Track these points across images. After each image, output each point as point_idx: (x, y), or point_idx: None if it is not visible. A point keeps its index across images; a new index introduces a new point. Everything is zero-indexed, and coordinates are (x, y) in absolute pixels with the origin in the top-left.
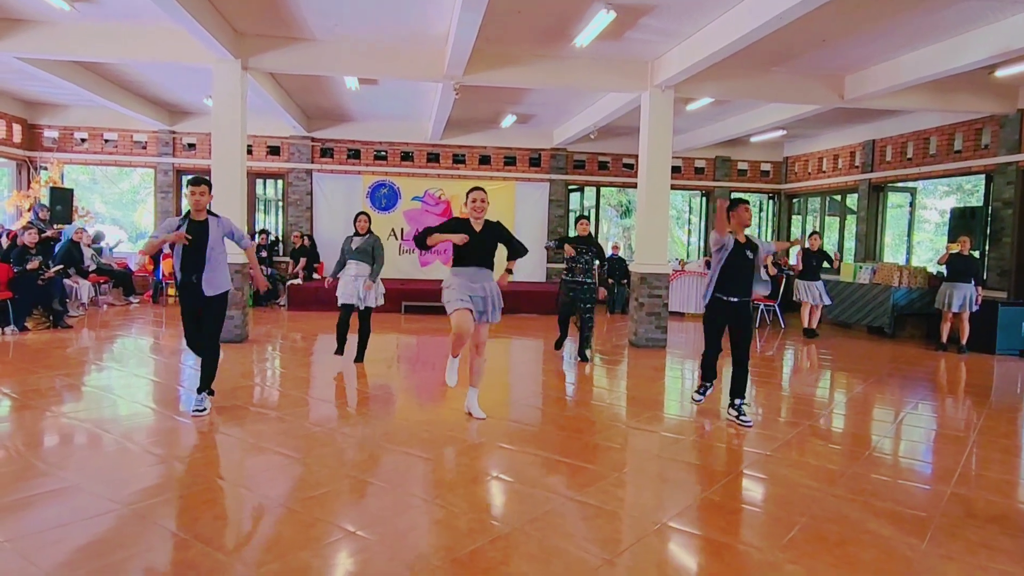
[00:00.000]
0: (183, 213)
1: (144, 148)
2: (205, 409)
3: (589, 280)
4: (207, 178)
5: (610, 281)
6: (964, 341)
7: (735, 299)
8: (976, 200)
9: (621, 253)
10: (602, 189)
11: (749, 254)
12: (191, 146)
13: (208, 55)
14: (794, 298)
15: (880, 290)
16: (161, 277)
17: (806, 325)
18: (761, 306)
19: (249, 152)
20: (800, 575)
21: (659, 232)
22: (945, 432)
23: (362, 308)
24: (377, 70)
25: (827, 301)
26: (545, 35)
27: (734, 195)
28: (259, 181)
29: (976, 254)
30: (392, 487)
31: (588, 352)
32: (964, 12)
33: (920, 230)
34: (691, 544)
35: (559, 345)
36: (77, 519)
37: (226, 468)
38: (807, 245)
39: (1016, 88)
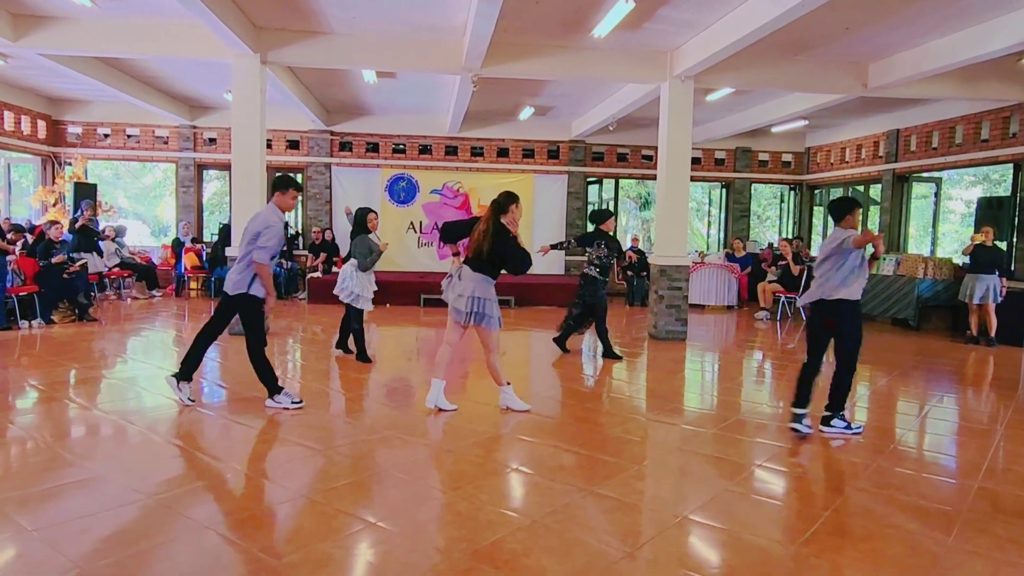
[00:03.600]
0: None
1: (166, 143)
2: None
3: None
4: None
5: (629, 273)
6: (992, 333)
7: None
8: (1003, 190)
9: (640, 245)
10: (621, 181)
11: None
12: (212, 141)
13: (227, 50)
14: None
15: (904, 282)
16: (183, 271)
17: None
18: (783, 298)
19: (268, 146)
20: (824, 570)
21: (679, 224)
22: (971, 426)
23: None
24: (395, 63)
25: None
26: (563, 26)
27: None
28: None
29: (1003, 245)
30: (413, 479)
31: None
32: None
33: (946, 221)
34: (712, 538)
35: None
36: (103, 509)
37: (248, 460)
38: None
39: None
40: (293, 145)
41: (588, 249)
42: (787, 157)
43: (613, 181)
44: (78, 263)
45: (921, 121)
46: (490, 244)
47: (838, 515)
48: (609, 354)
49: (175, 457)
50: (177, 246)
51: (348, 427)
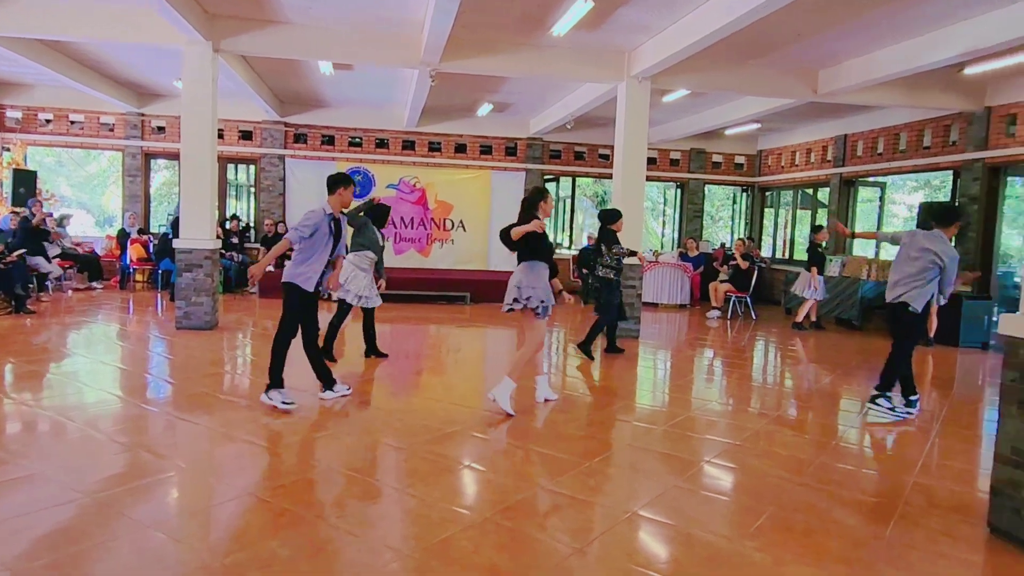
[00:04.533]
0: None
1: (112, 130)
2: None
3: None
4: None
5: (584, 271)
6: (931, 334)
7: None
8: (943, 195)
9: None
10: (578, 180)
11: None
12: (160, 129)
13: (178, 36)
14: (795, 291)
15: (849, 283)
16: (129, 263)
17: (799, 320)
18: (733, 297)
19: (220, 136)
20: (767, 564)
21: (634, 223)
22: (909, 423)
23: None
24: (352, 55)
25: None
26: (523, 23)
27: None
28: (230, 166)
29: None
30: (364, 476)
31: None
32: (935, 9)
33: (889, 224)
34: (661, 533)
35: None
36: (38, 508)
37: (193, 457)
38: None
39: (984, 86)
40: (246, 136)
41: (603, 253)
42: (740, 159)
43: (570, 179)
44: (15, 253)
45: (867, 127)
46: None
47: (782, 510)
48: (612, 349)
49: (117, 454)
50: (122, 237)
51: (298, 423)
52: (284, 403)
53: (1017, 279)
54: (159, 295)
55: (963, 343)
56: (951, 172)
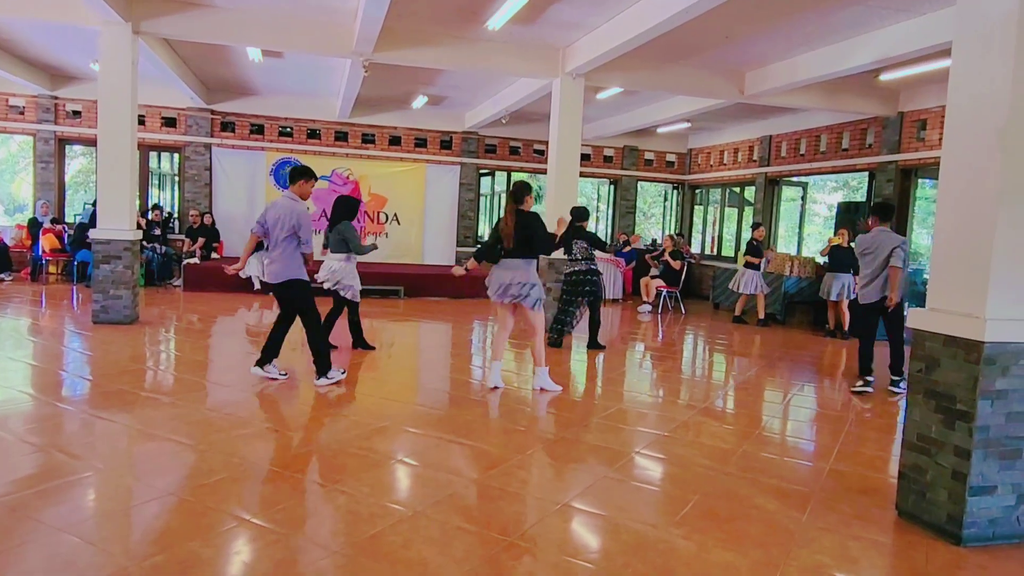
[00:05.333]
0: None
1: (22, 114)
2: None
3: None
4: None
5: None
6: (846, 327)
7: None
8: (860, 196)
9: None
10: (513, 174)
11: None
12: (76, 113)
13: (94, 16)
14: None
15: (773, 279)
16: (40, 254)
17: (738, 313)
18: (664, 292)
19: (141, 123)
20: (691, 550)
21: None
22: (826, 412)
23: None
24: (282, 42)
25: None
26: (458, 15)
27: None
28: (152, 154)
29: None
30: (291, 473)
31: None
32: (854, 17)
33: (810, 223)
34: (591, 523)
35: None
36: None
37: (111, 457)
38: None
39: (898, 92)
40: (169, 123)
41: (573, 247)
42: (671, 157)
43: (505, 174)
44: None
45: (791, 129)
46: (519, 229)
47: (707, 498)
48: (594, 345)
49: (27, 455)
50: (34, 226)
51: (223, 420)
52: (341, 372)
53: (927, 276)
54: (75, 288)
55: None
56: (867, 173)
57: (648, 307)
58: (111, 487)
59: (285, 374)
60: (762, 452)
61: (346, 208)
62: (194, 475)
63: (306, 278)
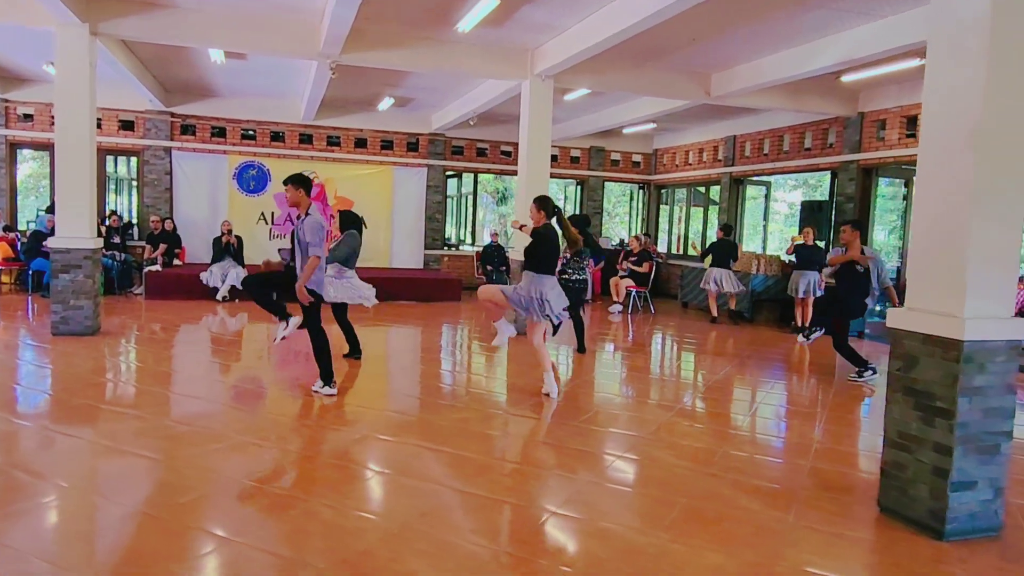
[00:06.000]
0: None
1: None
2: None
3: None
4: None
5: (488, 267)
6: (809, 324)
7: None
8: (820, 194)
9: (500, 241)
10: (480, 176)
11: None
12: (27, 117)
13: (50, 17)
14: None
15: (740, 277)
16: None
17: (715, 314)
18: (633, 292)
19: (98, 126)
20: (684, 554)
21: None
22: (800, 410)
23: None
24: (246, 43)
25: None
26: (427, 17)
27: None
28: (109, 158)
29: (821, 244)
30: (270, 487)
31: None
32: (817, 20)
33: (772, 221)
34: (580, 530)
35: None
36: None
37: (75, 474)
38: (716, 237)
39: (858, 93)
40: (127, 126)
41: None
42: (637, 158)
43: (472, 175)
44: None
45: (755, 129)
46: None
47: (692, 500)
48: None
49: None
50: None
51: (194, 434)
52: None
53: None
54: (30, 298)
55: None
56: (829, 172)
57: (619, 307)
58: (78, 507)
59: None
60: (741, 452)
61: (354, 221)
62: (166, 492)
63: (320, 289)
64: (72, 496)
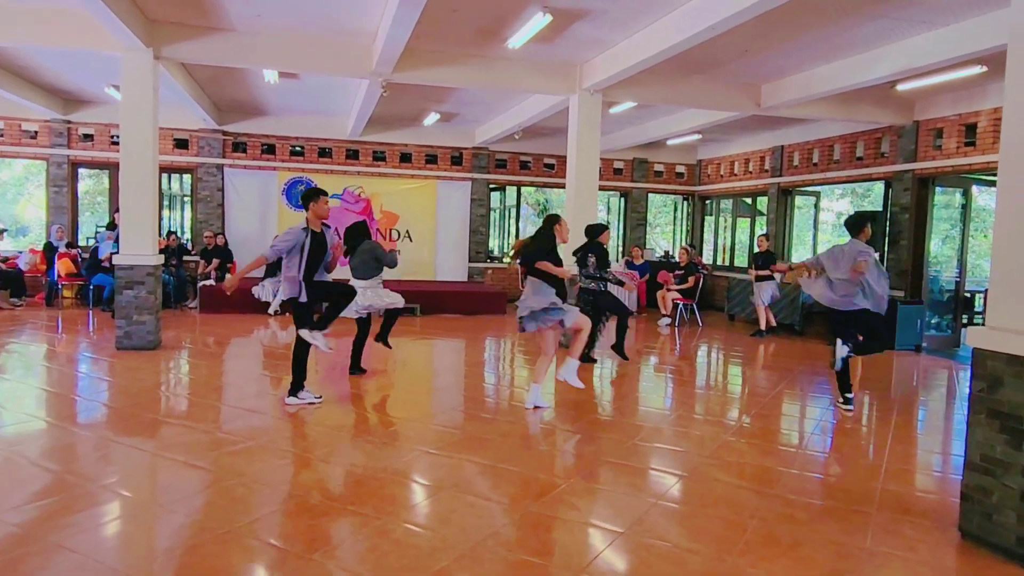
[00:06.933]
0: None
1: (34, 138)
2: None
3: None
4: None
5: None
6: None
7: None
8: (868, 203)
9: None
10: (523, 188)
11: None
12: (88, 137)
13: (116, 43)
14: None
15: (791, 288)
16: (56, 278)
17: (763, 326)
18: (681, 304)
19: None
20: None
21: None
22: (863, 427)
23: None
24: (302, 64)
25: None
26: (479, 35)
27: None
28: (164, 176)
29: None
30: (343, 505)
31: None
32: (875, 30)
33: (822, 230)
34: (654, 554)
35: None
36: None
37: (135, 483)
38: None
39: (913, 101)
40: (181, 144)
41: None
42: (680, 169)
43: (516, 188)
44: None
45: (803, 139)
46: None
47: (765, 523)
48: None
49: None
50: (49, 251)
51: (260, 448)
52: (317, 397)
53: (943, 283)
54: (91, 312)
55: (898, 346)
56: (883, 182)
57: (667, 320)
58: (141, 517)
59: (320, 397)
60: (807, 472)
61: (362, 231)
62: (240, 509)
63: (299, 297)
64: (135, 505)
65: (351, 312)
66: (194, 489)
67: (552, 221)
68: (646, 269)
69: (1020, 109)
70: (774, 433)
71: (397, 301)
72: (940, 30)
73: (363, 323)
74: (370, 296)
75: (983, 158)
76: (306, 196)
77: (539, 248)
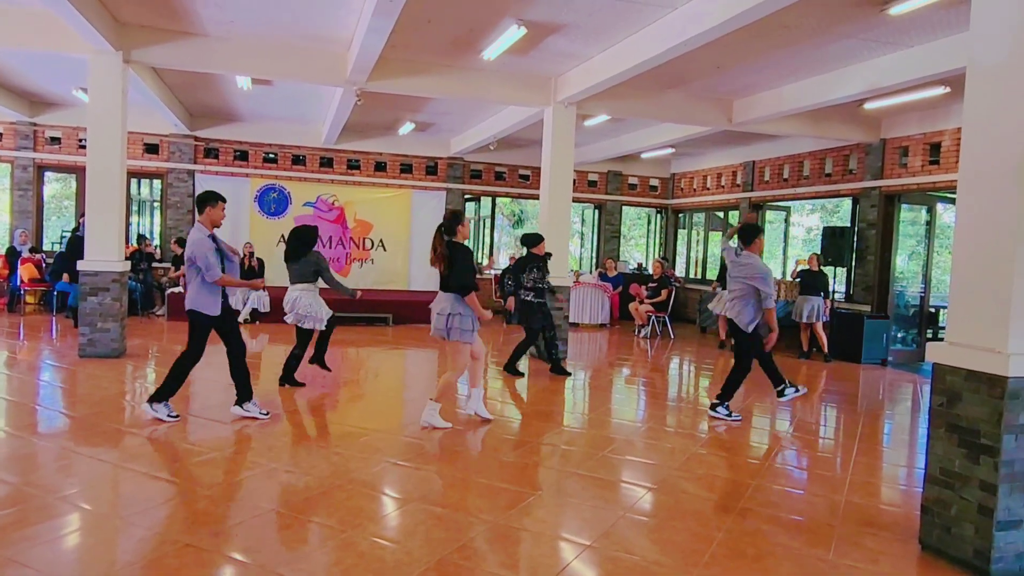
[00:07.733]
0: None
1: None
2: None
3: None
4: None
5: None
6: (825, 349)
7: None
8: (837, 219)
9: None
10: (498, 199)
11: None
12: (55, 140)
13: (84, 45)
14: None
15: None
16: (19, 284)
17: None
18: (652, 317)
19: None
20: None
21: (561, 245)
22: (830, 439)
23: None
24: (275, 71)
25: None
26: (454, 46)
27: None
28: (133, 181)
29: (841, 271)
30: (305, 517)
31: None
32: (844, 49)
33: (792, 245)
34: (621, 568)
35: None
36: None
37: (93, 495)
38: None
39: (880, 120)
40: (151, 149)
41: (521, 276)
42: (654, 182)
43: (491, 199)
44: None
45: (774, 155)
46: (447, 263)
47: (730, 536)
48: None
49: (48, 502)
50: (12, 255)
51: (225, 460)
52: (171, 416)
53: (908, 299)
54: (54, 318)
55: (865, 359)
56: (851, 198)
57: (646, 330)
58: (100, 529)
59: (267, 413)
60: (774, 485)
61: (304, 239)
62: (202, 520)
63: (206, 311)
64: (93, 517)
65: (289, 318)
66: (156, 501)
67: (456, 221)
68: (619, 281)
69: (978, 130)
70: (743, 446)
71: (317, 321)
72: (905, 51)
73: (303, 335)
74: (296, 299)
75: (947, 176)
76: (203, 198)
77: (466, 267)
